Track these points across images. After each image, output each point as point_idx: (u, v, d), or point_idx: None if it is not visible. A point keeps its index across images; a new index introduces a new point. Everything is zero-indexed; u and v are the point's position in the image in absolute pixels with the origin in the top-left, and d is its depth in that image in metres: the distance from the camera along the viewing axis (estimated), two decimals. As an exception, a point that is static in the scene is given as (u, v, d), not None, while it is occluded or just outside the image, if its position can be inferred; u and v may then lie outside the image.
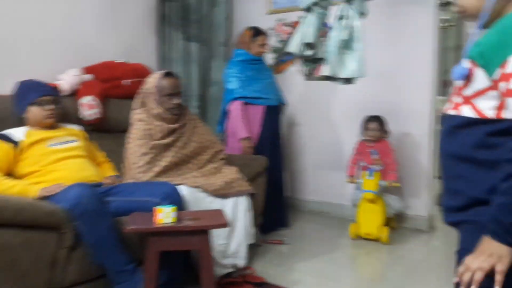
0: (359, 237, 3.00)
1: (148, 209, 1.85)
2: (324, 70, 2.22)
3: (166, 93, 2.23)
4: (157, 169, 2.14)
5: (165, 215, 1.68)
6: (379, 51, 3.31)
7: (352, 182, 3.11)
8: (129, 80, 2.80)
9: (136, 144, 2.18)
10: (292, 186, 3.85)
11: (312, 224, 3.39)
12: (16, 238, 1.56)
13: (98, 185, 2.06)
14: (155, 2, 3.37)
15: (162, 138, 2.21)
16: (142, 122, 2.22)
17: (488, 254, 0.94)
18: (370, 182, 2.87)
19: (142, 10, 3.26)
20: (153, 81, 2.26)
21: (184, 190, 2.05)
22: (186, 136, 2.28)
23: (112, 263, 1.76)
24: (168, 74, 2.28)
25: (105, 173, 2.27)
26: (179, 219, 1.73)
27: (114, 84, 2.73)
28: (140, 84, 2.89)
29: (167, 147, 2.21)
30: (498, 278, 0.92)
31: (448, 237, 3.15)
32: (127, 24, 3.14)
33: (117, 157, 2.51)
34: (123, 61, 2.93)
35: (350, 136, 3.51)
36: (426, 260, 2.73)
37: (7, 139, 1.96)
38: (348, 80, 2.35)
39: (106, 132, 2.62)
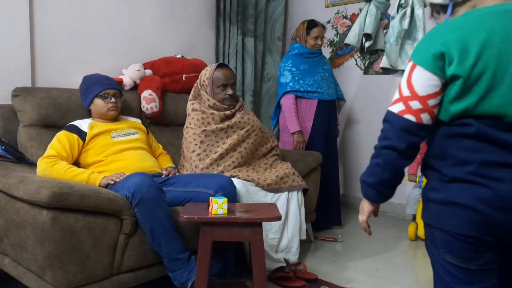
0: (417, 238, 2.87)
1: (202, 200, 1.89)
2: (384, 61, 2.13)
3: (219, 84, 2.27)
4: (214, 156, 2.18)
5: (218, 206, 1.70)
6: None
7: (412, 181, 2.97)
8: (188, 75, 2.87)
9: (193, 133, 2.23)
10: (347, 184, 3.77)
11: (370, 223, 3.28)
12: (80, 222, 1.65)
13: (157, 175, 2.13)
14: (213, -2, 3.43)
15: (216, 124, 2.25)
16: (197, 111, 2.27)
17: (361, 209, 1.26)
18: None
19: (200, 6, 3.33)
20: (207, 73, 2.31)
21: (237, 183, 2.07)
22: (241, 127, 2.30)
23: (167, 250, 1.81)
24: (221, 65, 2.32)
25: (163, 164, 2.35)
26: (232, 210, 1.74)
27: (173, 78, 2.81)
28: (197, 78, 2.98)
29: (222, 133, 2.24)
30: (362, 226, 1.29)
31: None
32: (186, 21, 3.22)
33: (174, 149, 2.58)
34: (181, 56, 3.01)
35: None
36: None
37: (74, 130, 2.09)
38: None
39: (164, 125, 2.71)
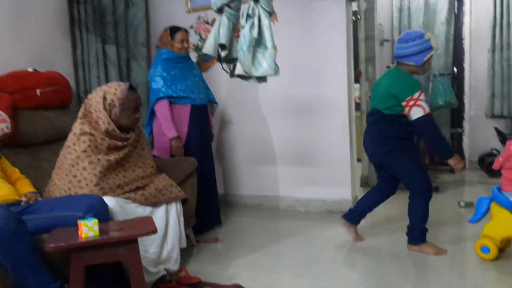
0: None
1: (71, 224, 1.79)
2: (238, 68, 2.27)
3: (132, 106, 2.20)
4: (99, 184, 2.07)
5: (88, 228, 1.64)
6: (296, 46, 3.45)
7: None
8: (43, 89, 2.66)
9: (76, 156, 2.08)
10: (226, 183, 3.90)
11: (248, 218, 3.47)
12: None
13: (15, 203, 1.95)
14: (65, 4, 3.21)
15: (107, 154, 2.13)
16: (87, 135, 2.11)
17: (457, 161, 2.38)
18: None
19: (50, 14, 3.10)
20: (117, 92, 2.17)
21: (110, 202, 2.01)
22: (132, 160, 2.23)
23: (35, 284, 1.68)
24: (131, 87, 2.23)
25: (22, 190, 2.15)
26: (105, 231, 1.70)
27: (26, 94, 2.58)
28: (56, 92, 2.77)
29: (112, 164, 2.12)
30: None
31: (371, 217, 3.38)
32: (35, 31, 2.97)
33: (34, 172, 2.38)
34: (34, 69, 2.77)
35: (276, 130, 3.65)
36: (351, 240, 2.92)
37: None
38: (261, 79, 2.43)
39: (21, 147, 2.47)
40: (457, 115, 5.00)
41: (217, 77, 3.74)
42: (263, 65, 2.20)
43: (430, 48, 2.42)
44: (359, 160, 4.04)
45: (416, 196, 2.53)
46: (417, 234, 2.56)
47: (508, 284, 2.09)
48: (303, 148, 3.56)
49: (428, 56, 2.43)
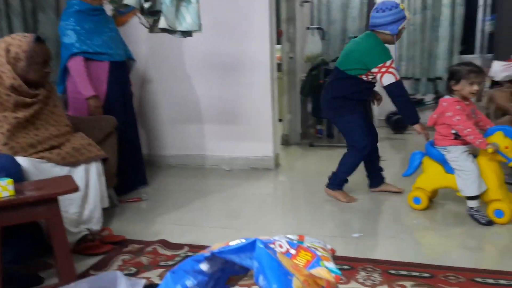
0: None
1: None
2: (162, 22, 2.19)
3: (41, 60, 2.02)
4: (7, 144, 1.91)
5: (2, 188, 1.55)
6: (218, 2, 3.40)
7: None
8: None
9: None
10: (149, 143, 3.83)
11: (173, 178, 3.47)
12: None
13: None
14: None
15: (14, 111, 1.95)
16: None
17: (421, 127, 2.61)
18: None
19: None
20: (22, 45, 1.96)
21: (23, 162, 1.89)
22: (44, 118, 2.08)
23: None
24: (38, 39, 2.03)
25: None
26: (20, 190, 1.61)
27: None
28: None
29: (21, 122, 1.97)
30: None
31: (290, 172, 3.58)
32: None
33: None
34: None
35: (200, 88, 3.62)
36: (274, 194, 3.08)
37: None
38: (186, 33, 2.37)
39: None
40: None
41: (135, 33, 3.57)
42: (187, 20, 2.15)
43: (404, 18, 2.55)
44: (280, 120, 4.19)
45: (352, 150, 2.72)
46: (337, 181, 2.77)
47: (435, 229, 2.35)
48: (227, 106, 3.60)
49: (402, 25, 2.56)
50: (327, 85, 2.79)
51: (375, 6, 2.64)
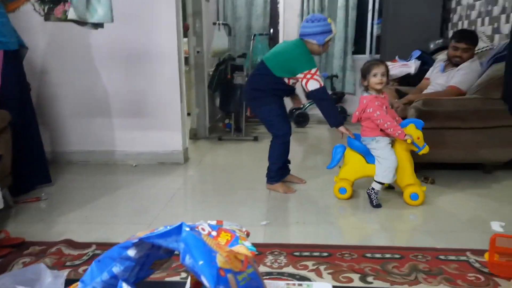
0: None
1: None
2: (71, 14, 2.07)
3: None
4: None
5: None
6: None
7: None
8: None
9: None
10: (52, 140, 3.57)
11: (76, 175, 3.29)
12: None
13: None
14: None
15: None
16: None
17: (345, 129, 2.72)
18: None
19: None
20: None
21: None
22: None
23: None
24: None
25: None
26: None
27: None
28: None
29: None
30: None
31: (199, 166, 3.62)
32: None
33: None
34: None
35: (104, 81, 3.47)
36: (184, 187, 3.10)
37: None
38: (97, 25, 2.28)
39: None
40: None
41: (27, 20, 3.29)
42: (99, 12, 2.07)
43: (330, 31, 2.73)
44: (188, 114, 4.19)
45: (276, 140, 2.88)
46: (272, 174, 2.91)
47: (357, 216, 2.53)
48: (134, 99, 3.50)
49: (328, 37, 2.73)
50: (251, 77, 2.93)
51: (306, 17, 2.84)
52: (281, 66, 2.74)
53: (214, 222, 0.65)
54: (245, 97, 3.05)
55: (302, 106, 4.97)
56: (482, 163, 3.19)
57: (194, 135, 4.58)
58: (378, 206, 2.57)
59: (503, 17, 3.55)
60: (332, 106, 2.83)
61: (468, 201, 2.66)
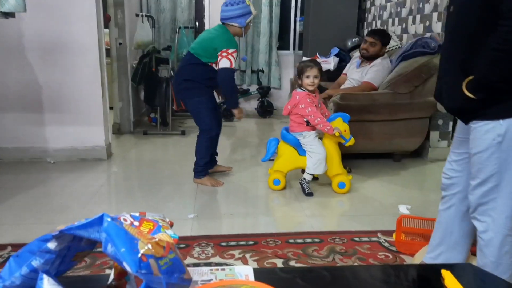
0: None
1: None
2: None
3: None
4: None
5: None
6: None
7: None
8: None
9: None
10: None
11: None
12: None
13: None
14: None
15: None
16: None
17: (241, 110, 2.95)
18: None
19: None
20: None
21: None
22: None
23: None
24: None
25: None
26: None
27: None
28: None
29: None
30: None
31: (123, 162, 3.53)
32: None
33: None
34: None
35: (16, 73, 3.24)
36: (107, 184, 3.01)
37: None
38: (8, 14, 2.13)
39: None
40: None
41: None
42: (10, 1, 1.93)
43: (250, 13, 2.78)
44: (111, 108, 4.05)
45: (203, 134, 2.89)
46: (199, 168, 2.92)
47: (290, 205, 2.62)
48: (51, 93, 3.30)
49: (249, 19, 2.78)
50: (180, 69, 2.91)
51: (224, 1, 2.84)
52: (206, 51, 2.76)
53: (137, 214, 0.66)
54: (175, 89, 2.99)
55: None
56: (392, 152, 3.49)
57: (118, 130, 4.43)
58: (309, 194, 2.71)
59: (410, 18, 3.89)
60: (233, 88, 2.91)
61: (380, 187, 2.90)
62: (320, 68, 2.65)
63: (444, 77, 1.47)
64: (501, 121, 1.32)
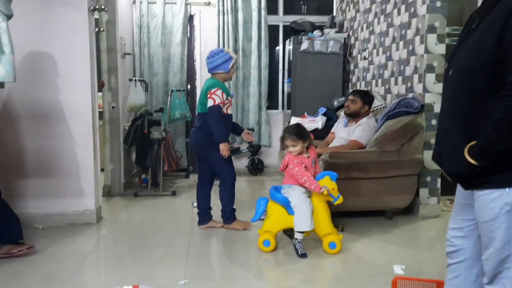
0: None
1: None
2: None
3: None
4: None
5: None
6: (35, 51, 3.22)
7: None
8: None
9: None
10: None
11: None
12: None
13: None
14: None
15: None
16: None
17: (226, 146, 3.08)
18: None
19: None
20: None
21: None
22: None
23: None
24: None
25: None
26: None
27: None
28: None
29: None
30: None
31: (113, 225, 3.48)
32: None
33: None
34: None
35: (10, 139, 3.27)
36: (96, 250, 2.94)
37: None
38: (-3, 84, 2.20)
39: None
40: (191, 127, 5.65)
41: None
42: (0, 71, 2.00)
43: (231, 58, 3.14)
44: (102, 169, 4.06)
45: (225, 183, 3.15)
46: (227, 214, 3.16)
47: (282, 267, 2.59)
48: (42, 158, 3.32)
49: (231, 63, 3.14)
50: (198, 128, 3.17)
51: (207, 55, 3.18)
52: (204, 105, 3.07)
53: (130, 287, 0.66)
54: (197, 145, 3.20)
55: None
56: (383, 210, 3.50)
57: (108, 192, 4.40)
58: (303, 255, 2.68)
59: (393, 79, 4.07)
60: (220, 123, 3.06)
61: (373, 247, 2.88)
62: (298, 133, 2.75)
63: (444, 139, 1.40)
64: (507, 189, 1.25)
